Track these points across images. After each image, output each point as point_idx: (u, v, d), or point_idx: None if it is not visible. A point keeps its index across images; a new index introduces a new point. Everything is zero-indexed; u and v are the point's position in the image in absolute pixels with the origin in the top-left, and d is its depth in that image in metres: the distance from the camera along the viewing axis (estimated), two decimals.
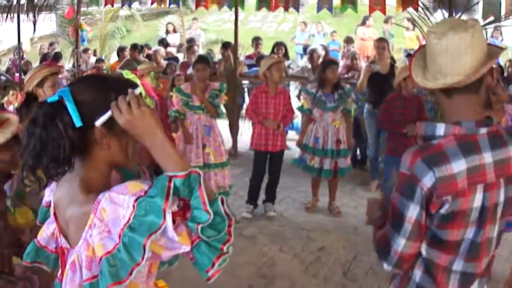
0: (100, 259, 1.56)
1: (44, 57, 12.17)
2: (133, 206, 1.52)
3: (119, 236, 1.53)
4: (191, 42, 12.14)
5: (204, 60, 6.43)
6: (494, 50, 1.96)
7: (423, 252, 2.01)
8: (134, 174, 1.88)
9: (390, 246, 2.00)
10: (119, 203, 1.54)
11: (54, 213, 1.82)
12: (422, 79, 1.99)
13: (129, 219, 1.52)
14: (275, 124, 6.18)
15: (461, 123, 1.91)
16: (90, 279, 1.60)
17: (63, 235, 1.79)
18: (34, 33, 14.22)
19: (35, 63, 11.64)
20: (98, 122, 1.64)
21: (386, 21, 14.51)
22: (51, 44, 14.74)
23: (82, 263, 1.63)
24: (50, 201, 1.85)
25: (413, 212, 1.92)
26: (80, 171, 1.71)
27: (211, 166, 6.13)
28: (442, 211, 1.88)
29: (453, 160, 1.84)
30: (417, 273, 2.05)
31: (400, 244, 1.97)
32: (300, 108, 6.65)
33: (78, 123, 1.62)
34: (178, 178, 1.55)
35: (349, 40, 12.78)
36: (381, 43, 7.71)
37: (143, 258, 1.51)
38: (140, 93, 1.68)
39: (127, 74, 1.69)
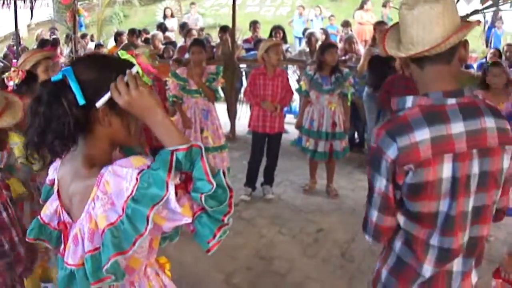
0: (103, 231, 1.59)
1: (42, 43, 12.10)
2: (136, 178, 1.56)
3: (123, 209, 1.56)
4: (184, 26, 12.10)
5: (199, 43, 6.39)
6: (467, 23, 1.94)
7: (402, 224, 2.01)
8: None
9: (368, 217, 2.05)
10: (123, 176, 1.58)
11: (58, 190, 1.85)
12: (395, 51, 1.99)
13: (132, 191, 1.55)
14: (273, 106, 6.18)
15: (428, 94, 1.91)
16: (92, 251, 1.64)
17: (66, 211, 1.82)
18: (31, 19, 14.16)
19: None
20: (98, 104, 1.67)
21: (384, 5, 14.48)
22: (50, 29, 14.66)
23: (84, 235, 1.66)
24: (54, 179, 1.88)
25: (380, 184, 1.95)
26: (83, 149, 1.74)
27: (209, 150, 6.12)
28: (407, 180, 1.88)
29: (416, 129, 1.84)
30: (397, 245, 2.07)
31: (374, 215, 2.01)
32: (299, 90, 6.65)
33: (81, 101, 1.65)
34: (179, 152, 1.58)
35: (346, 24, 12.72)
36: (382, 26, 7.73)
37: (146, 229, 1.55)
38: (138, 72, 1.71)
39: (123, 54, 1.71)
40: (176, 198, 1.57)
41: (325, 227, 5.64)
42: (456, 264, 2.03)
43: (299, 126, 6.59)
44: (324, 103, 6.32)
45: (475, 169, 1.89)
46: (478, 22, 2.06)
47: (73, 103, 1.64)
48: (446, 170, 1.86)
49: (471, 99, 1.93)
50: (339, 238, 5.35)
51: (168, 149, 1.60)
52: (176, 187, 1.58)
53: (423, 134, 1.83)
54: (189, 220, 1.62)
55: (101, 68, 1.71)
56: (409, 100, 1.92)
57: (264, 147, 6.47)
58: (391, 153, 1.87)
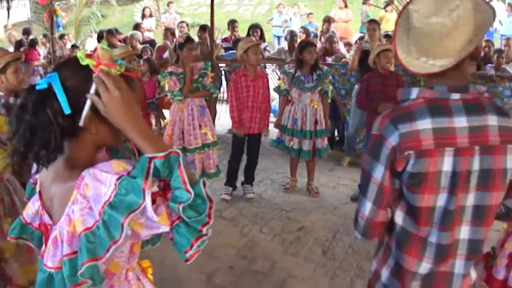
0: (79, 235, 1.57)
1: (18, 45, 11.95)
2: (115, 184, 1.53)
3: (99, 214, 1.54)
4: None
5: (192, 40, 6.39)
6: (484, 20, 1.90)
7: (400, 222, 2.00)
8: (124, 157, 1.88)
9: (359, 212, 2.03)
10: (102, 181, 1.55)
11: (39, 191, 1.82)
12: (409, 60, 1.97)
13: (110, 197, 1.52)
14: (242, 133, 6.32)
15: (433, 87, 1.93)
16: (70, 255, 1.61)
17: (47, 212, 1.79)
18: (8, 19, 14.01)
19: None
20: (81, 122, 1.63)
21: (364, 2, 14.54)
22: (24, 30, 14.46)
23: (63, 238, 1.63)
24: (37, 179, 1.85)
25: (378, 173, 1.93)
26: (66, 151, 1.69)
27: (210, 145, 6.19)
28: (408, 168, 1.88)
29: (418, 118, 1.86)
30: (393, 246, 2.06)
31: (367, 208, 1.99)
32: (277, 89, 6.63)
33: (67, 110, 1.61)
34: (157, 159, 1.55)
35: (329, 20, 12.66)
36: (372, 24, 7.81)
37: (120, 236, 1.53)
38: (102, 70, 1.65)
39: (83, 60, 1.62)
40: (154, 206, 1.55)
41: (307, 225, 5.66)
42: (458, 267, 2.02)
43: (277, 125, 6.60)
44: (306, 101, 6.34)
45: (476, 165, 1.90)
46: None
47: (58, 112, 1.61)
48: (447, 163, 1.87)
49: (475, 96, 1.94)
50: (320, 236, 5.36)
51: (147, 156, 1.57)
52: (155, 194, 1.56)
53: (425, 124, 1.85)
54: (167, 229, 1.60)
55: (87, 73, 1.65)
56: (414, 92, 1.94)
57: (244, 146, 6.48)
58: (393, 139, 1.87)
